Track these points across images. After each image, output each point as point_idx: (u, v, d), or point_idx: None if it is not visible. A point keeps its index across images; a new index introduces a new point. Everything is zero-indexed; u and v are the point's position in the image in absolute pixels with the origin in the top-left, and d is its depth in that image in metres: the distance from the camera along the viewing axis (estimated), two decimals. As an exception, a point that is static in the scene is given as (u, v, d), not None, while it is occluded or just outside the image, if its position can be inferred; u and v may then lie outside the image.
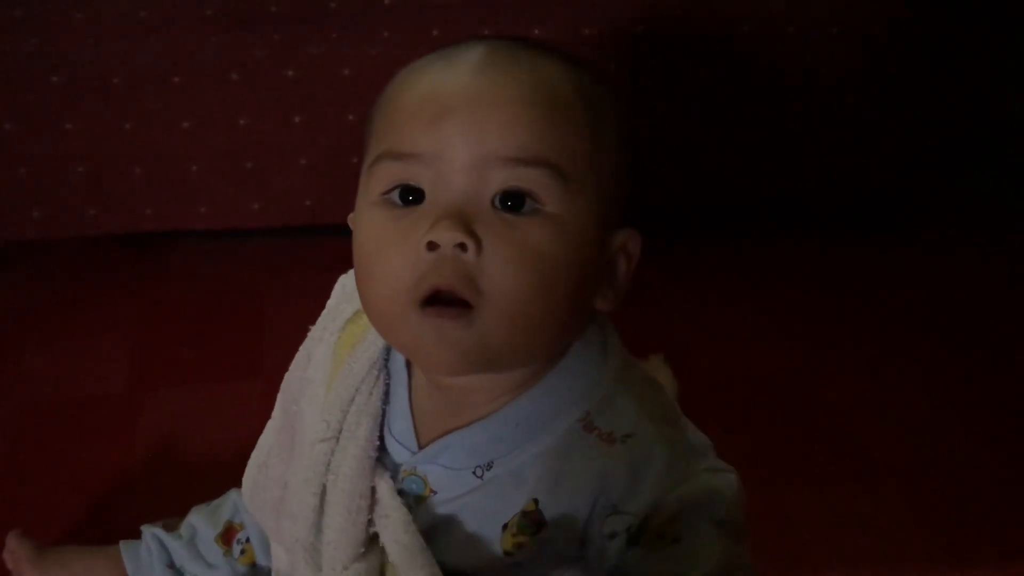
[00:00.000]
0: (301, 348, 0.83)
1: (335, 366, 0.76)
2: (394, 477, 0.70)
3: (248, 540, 0.94)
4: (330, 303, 0.82)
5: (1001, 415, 1.33)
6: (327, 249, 1.66)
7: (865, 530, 1.15)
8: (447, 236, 0.58)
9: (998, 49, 1.57)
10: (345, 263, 1.69)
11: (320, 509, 0.71)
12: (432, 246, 0.59)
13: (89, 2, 1.39)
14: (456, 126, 0.59)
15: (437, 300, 0.60)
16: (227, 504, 0.97)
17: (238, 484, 0.99)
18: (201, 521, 0.96)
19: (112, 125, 1.46)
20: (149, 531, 0.97)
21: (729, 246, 1.68)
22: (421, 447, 0.69)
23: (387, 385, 0.73)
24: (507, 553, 0.65)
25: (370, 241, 0.63)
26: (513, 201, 0.60)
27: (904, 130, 1.60)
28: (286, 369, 1.35)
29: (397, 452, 0.70)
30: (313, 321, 1.46)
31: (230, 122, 1.47)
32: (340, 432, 0.72)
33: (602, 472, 0.63)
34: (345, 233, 1.69)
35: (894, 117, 1.59)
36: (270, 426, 0.84)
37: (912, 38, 1.52)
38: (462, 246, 0.58)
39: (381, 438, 0.71)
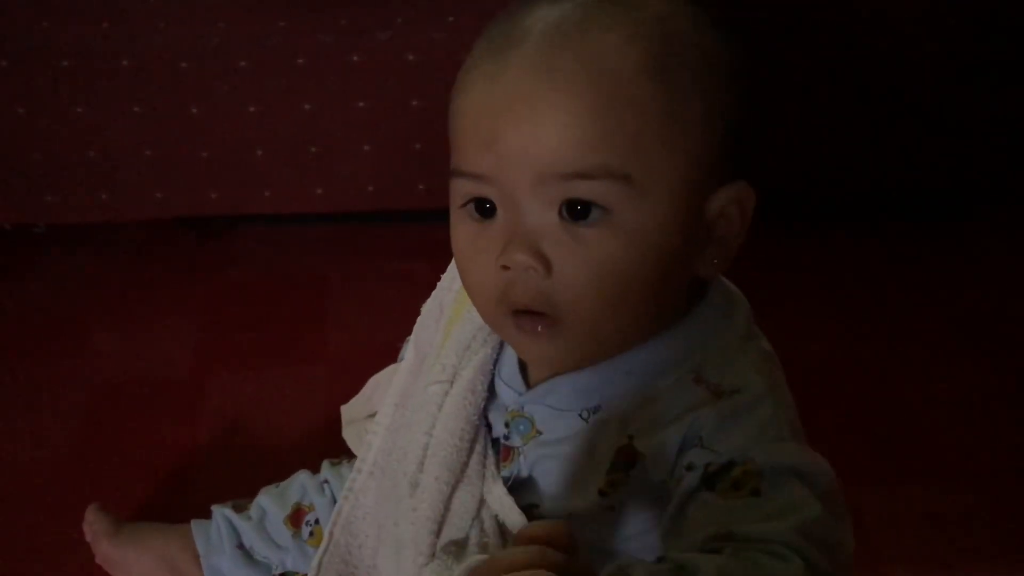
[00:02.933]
0: (432, 297, 0.87)
1: (455, 313, 0.80)
2: (507, 424, 0.74)
3: (317, 522, 0.98)
4: None
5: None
6: (389, 235, 1.71)
7: (937, 530, 1.16)
8: (516, 260, 0.62)
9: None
10: (407, 249, 1.73)
11: (428, 447, 0.76)
12: (505, 267, 0.63)
13: (158, -13, 1.44)
14: (508, 149, 0.61)
15: (524, 310, 0.64)
16: (295, 486, 1.01)
17: (302, 467, 1.03)
18: (270, 502, 1.00)
19: (179, 109, 1.52)
20: (219, 511, 1.02)
21: (787, 238, 1.66)
22: (529, 388, 0.73)
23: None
24: (602, 493, 0.67)
25: (458, 250, 0.67)
26: (581, 207, 0.61)
27: (984, 120, 1.59)
28: (349, 353, 1.41)
29: (506, 395, 0.75)
30: (375, 306, 1.51)
31: (295, 107, 1.52)
32: (455, 377, 0.76)
33: (699, 410, 0.64)
34: (407, 219, 1.74)
35: (975, 106, 1.58)
36: (403, 368, 0.87)
37: (992, 26, 1.52)
38: (533, 268, 0.62)
39: (491, 385, 0.76)
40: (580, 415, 0.69)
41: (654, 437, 0.66)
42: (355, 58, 1.48)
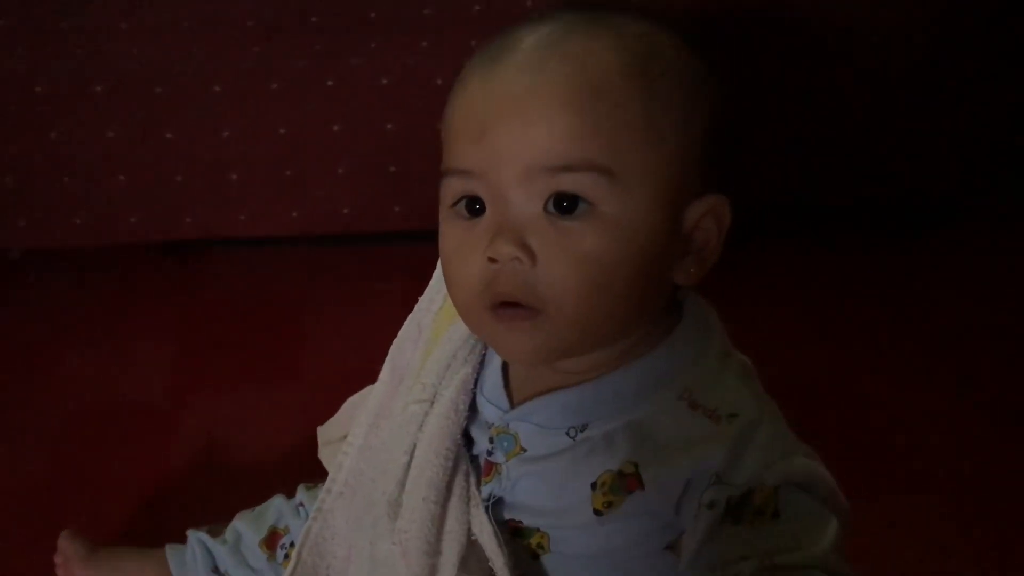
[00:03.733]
0: (410, 318, 0.88)
1: (435, 333, 0.82)
2: (491, 440, 0.75)
3: (292, 545, 0.98)
4: (437, 273, 0.87)
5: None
6: (364, 257, 1.72)
7: (909, 542, 1.18)
8: (502, 251, 0.64)
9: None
10: (382, 271, 1.74)
11: (409, 467, 0.77)
12: (492, 260, 0.65)
13: (133, 11, 1.44)
14: (497, 143, 0.64)
15: (507, 304, 0.66)
16: (271, 509, 1.01)
17: (279, 490, 1.04)
18: (245, 526, 1.01)
19: (154, 133, 1.52)
20: (194, 536, 1.02)
21: (766, 250, 1.68)
22: (514, 406, 0.74)
23: (483, 355, 0.79)
24: (597, 512, 0.69)
25: (446, 250, 0.69)
26: (567, 202, 0.63)
27: (958, 133, 1.62)
28: (325, 376, 1.41)
29: (489, 412, 0.76)
30: (350, 328, 1.52)
31: (270, 131, 1.52)
32: (435, 396, 0.78)
33: (705, 445, 0.66)
34: (382, 242, 1.74)
35: (947, 119, 1.61)
36: (379, 389, 0.89)
37: (966, 38, 1.55)
38: (518, 259, 0.64)
39: (473, 403, 0.77)
40: (567, 433, 0.70)
41: (660, 470, 0.67)
42: (329, 82, 1.49)
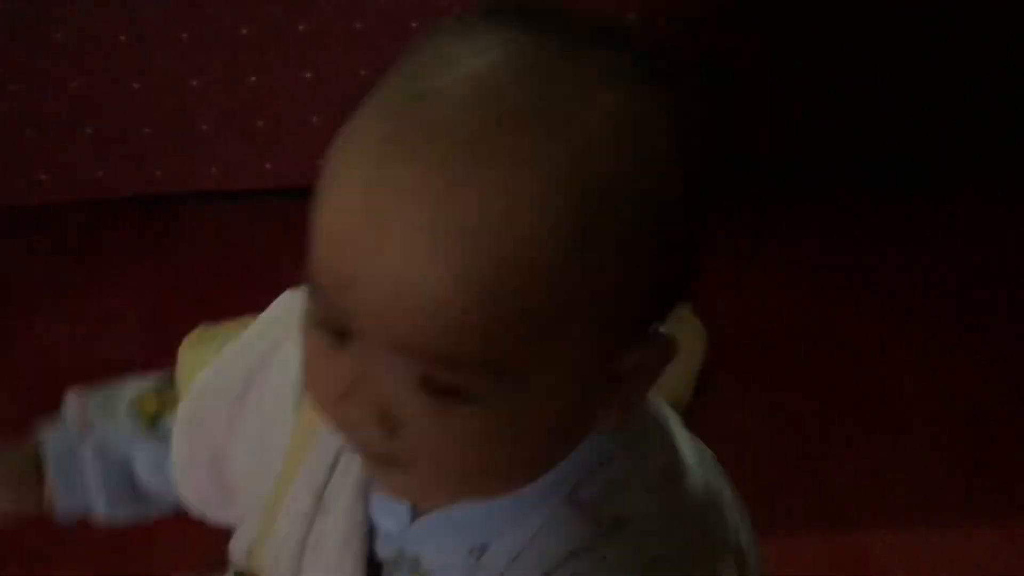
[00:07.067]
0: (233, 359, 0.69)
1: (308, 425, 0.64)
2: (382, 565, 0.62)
3: None
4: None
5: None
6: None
7: (895, 481, 1.21)
8: (353, 418, 0.50)
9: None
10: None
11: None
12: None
13: (94, -44, 1.42)
14: (366, 296, 0.46)
15: None
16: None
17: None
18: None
19: (119, 84, 1.50)
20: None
21: (755, 203, 1.68)
22: (416, 515, 0.60)
23: None
24: None
25: (304, 359, 0.54)
26: (444, 393, 0.47)
27: (943, 89, 1.63)
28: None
29: (386, 524, 0.61)
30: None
31: (240, 79, 1.50)
32: (321, 499, 0.63)
33: (571, 561, 0.54)
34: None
35: (932, 74, 1.62)
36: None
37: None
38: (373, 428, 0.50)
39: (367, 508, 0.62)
40: (470, 552, 0.58)
41: None
42: (301, 27, 1.47)
